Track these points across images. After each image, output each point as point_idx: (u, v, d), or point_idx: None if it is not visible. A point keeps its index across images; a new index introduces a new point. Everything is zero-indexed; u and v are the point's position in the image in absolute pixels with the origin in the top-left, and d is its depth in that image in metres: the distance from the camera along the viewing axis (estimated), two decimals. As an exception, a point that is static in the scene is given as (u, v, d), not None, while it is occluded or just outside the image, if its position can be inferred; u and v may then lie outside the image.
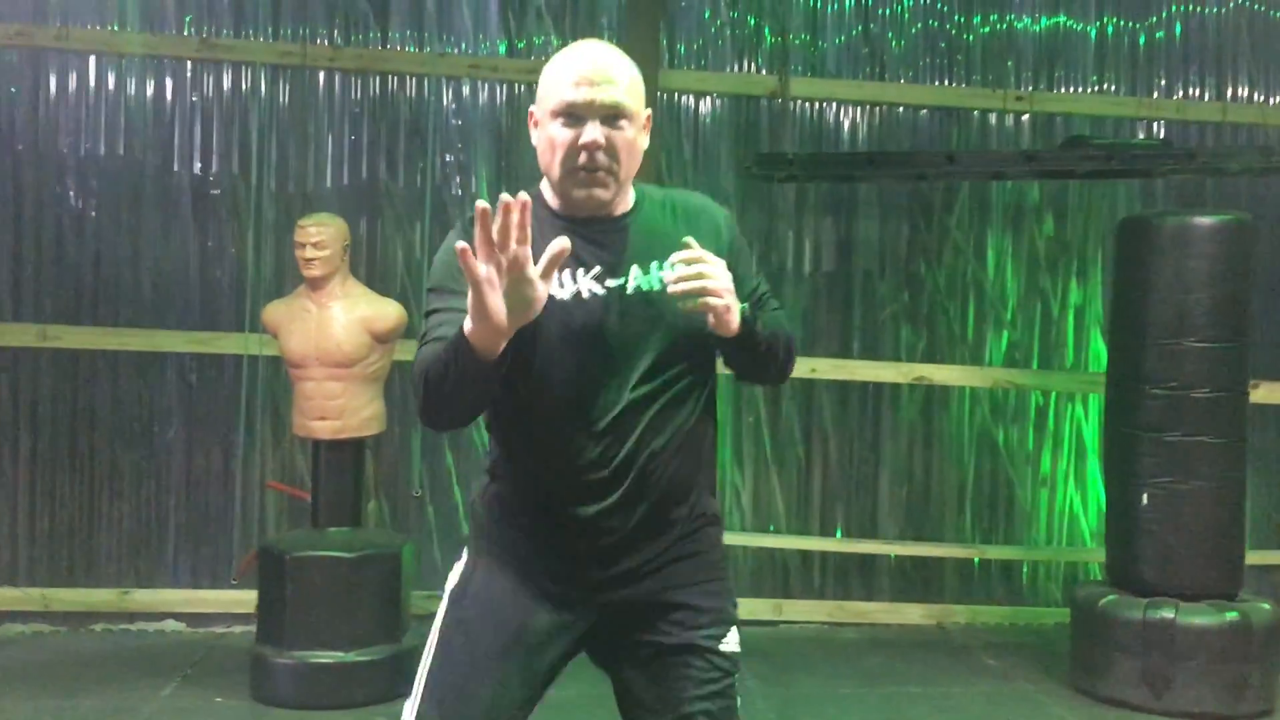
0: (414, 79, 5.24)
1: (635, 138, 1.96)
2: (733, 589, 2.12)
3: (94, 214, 5.12)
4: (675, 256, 1.89)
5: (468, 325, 1.75)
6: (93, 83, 5.11)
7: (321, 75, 5.23)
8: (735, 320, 1.90)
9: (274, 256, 5.11)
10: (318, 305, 4.15)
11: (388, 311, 4.23)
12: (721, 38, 5.44)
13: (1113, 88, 5.62)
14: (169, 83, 5.13)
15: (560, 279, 1.92)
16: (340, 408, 4.15)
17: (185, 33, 5.13)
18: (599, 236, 1.97)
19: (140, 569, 5.16)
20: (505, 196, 1.72)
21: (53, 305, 5.10)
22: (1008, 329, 5.65)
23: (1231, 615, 4.20)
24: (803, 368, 5.39)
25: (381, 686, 4.09)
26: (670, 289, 1.88)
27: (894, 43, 5.53)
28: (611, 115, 1.91)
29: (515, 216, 1.71)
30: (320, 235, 4.10)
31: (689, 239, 1.90)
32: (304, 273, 4.15)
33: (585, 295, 1.95)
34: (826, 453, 5.57)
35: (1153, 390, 4.33)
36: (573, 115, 1.90)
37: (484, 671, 1.99)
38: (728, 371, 2.13)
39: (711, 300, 1.86)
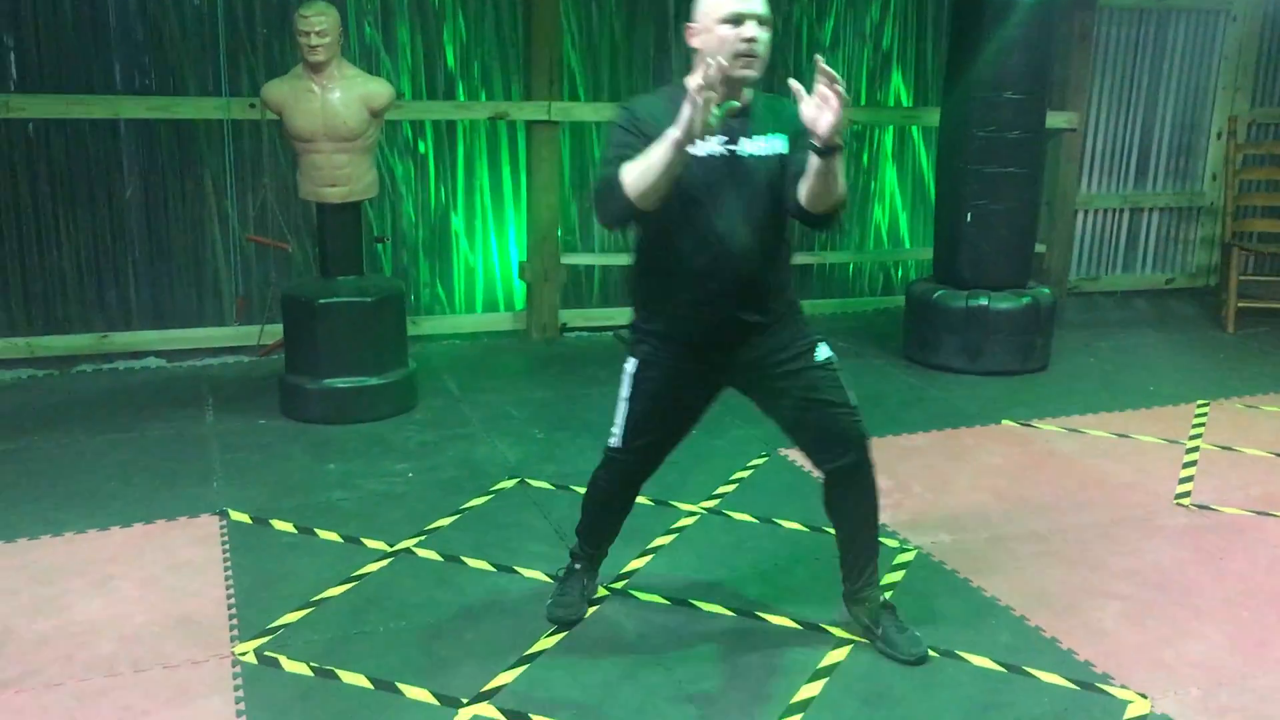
0: None
1: (768, 39, 2.88)
2: (812, 331, 3.16)
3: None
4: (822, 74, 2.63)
5: (676, 135, 2.54)
6: None
7: None
8: (838, 133, 2.60)
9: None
10: (321, 87, 4.75)
11: (382, 90, 4.87)
12: None
13: None
14: None
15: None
16: (347, 175, 4.85)
17: None
18: (732, 117, 2.82)
19: (113, 316, 5.77)
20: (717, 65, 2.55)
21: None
22: None
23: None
24: None
25: (398, 402, 5.08)
26: (821, 72, 2.62)
27: None
28: (761, 20, 2.84)
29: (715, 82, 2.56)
30: (323, 24, 4.65)
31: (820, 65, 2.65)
32: (308, 58, 4.70)
33: (717, 155, 2.87)
34: None
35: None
36: (737, 20, 2.79)
37: (667, 411, 3.09)
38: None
39: (838, 90, 2.56)
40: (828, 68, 2.59)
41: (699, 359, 3.03)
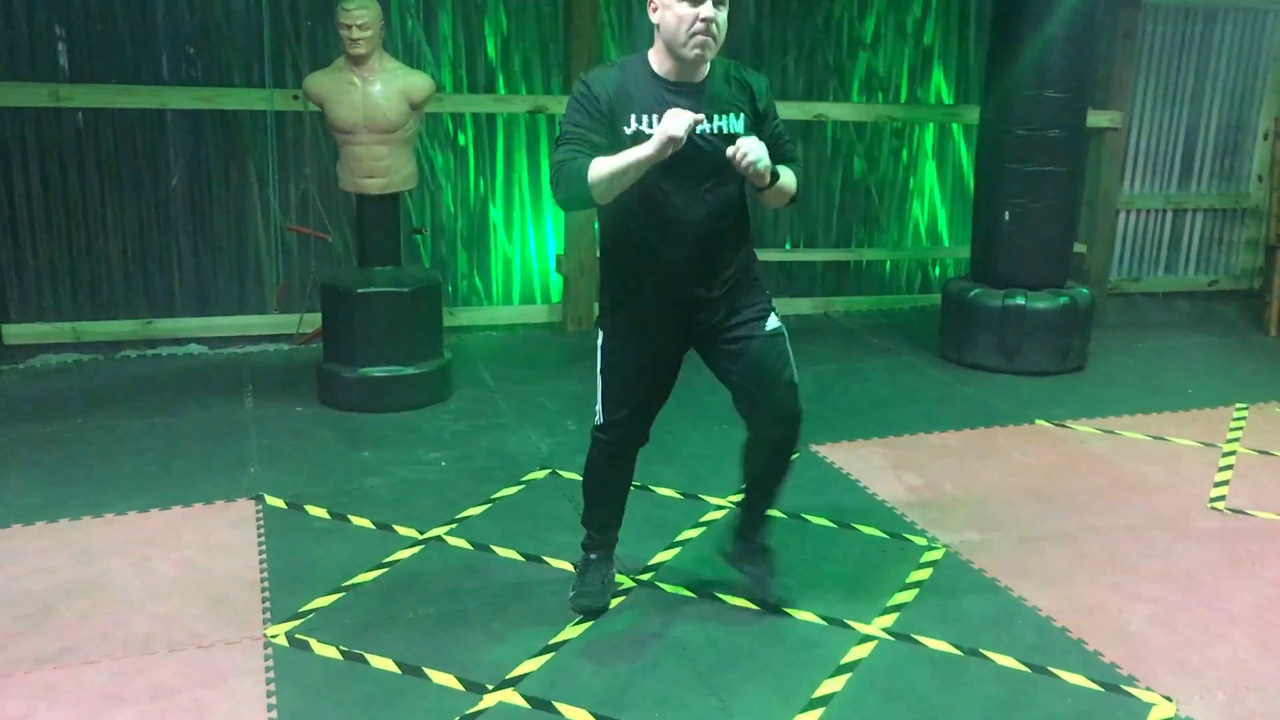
0: None
1: (725, 19, 2.91)
2: (769, 298, 3.20)
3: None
4: (734, 150, 2.83)
5: (651, 150, 2.74)
6: None
7: None
8: (767, 178, 2.91)
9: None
10: (362, 79, 4.80)
11: (422, 83, 4.92)
12: None
13: None
14: None
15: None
16: (387, 167, 4.91)
17: None
18: (686, 94, 2.93)
19: (157, 303, 5.86)
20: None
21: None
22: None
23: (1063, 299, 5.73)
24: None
25: (432, 392, 5.13)
26: (736, 161, 2.84)
27: None
28: (717, 1, 2.87)
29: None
30: (365, 17, 4.70)
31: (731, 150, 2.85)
32: (349, 51, 4.75)
33: None
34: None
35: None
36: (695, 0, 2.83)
37: (637, 377, 3.15)
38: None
39: (759, 166, 2.84)
40: (735, 155, 2.82)
41: (660, 321, 3.11)
